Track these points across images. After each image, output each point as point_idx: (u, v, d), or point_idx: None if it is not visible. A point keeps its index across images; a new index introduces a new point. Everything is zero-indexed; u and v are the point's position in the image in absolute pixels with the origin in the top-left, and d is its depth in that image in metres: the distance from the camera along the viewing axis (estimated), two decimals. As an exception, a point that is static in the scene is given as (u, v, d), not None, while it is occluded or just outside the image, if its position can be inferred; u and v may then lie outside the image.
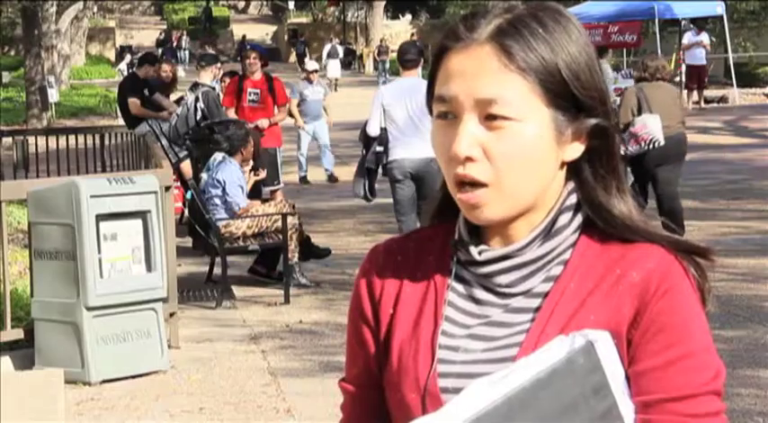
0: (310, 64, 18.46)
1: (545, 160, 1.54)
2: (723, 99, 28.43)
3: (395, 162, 9.19)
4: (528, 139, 1.52)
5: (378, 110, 9.28)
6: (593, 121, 1.56)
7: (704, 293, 1.57)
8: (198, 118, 12.05)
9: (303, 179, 17.87)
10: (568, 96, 1.54)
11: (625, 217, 1.57)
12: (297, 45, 47.89)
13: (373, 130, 9.28)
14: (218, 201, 10.01)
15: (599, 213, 1.58)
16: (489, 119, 1.52)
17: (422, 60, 9.68)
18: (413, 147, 9.01)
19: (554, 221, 1.58)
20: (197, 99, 12.21)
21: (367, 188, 9.55)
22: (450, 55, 1.55)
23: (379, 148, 9.22)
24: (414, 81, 9.36)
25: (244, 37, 57.59)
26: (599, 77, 1.57)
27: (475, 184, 1.53)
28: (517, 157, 1.52)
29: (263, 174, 11.38)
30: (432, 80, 1.58)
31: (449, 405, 1.47)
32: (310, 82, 17.25)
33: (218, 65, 13.96)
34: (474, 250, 1.60)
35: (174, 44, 54.61)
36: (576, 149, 1.57)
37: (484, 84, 1.52)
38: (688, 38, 27.03)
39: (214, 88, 12.93)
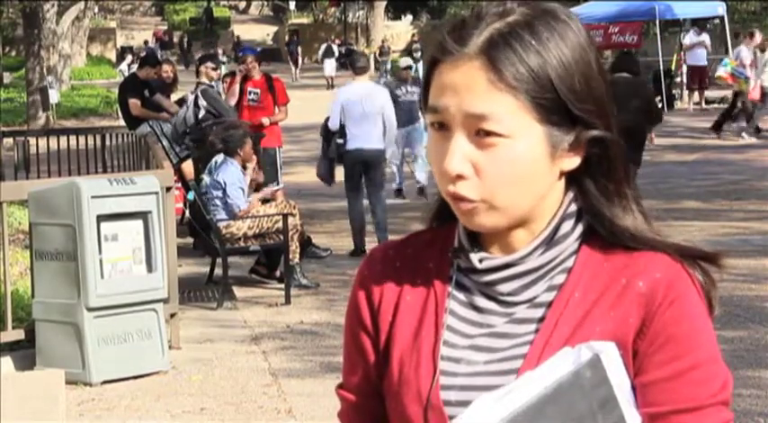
0: (404, 60, 16.38)
1: (538, 175, 1.50)
2: (724, 100, 28.43)
3: (351, 152, 11.12)
4: (519, 156, 1.48)
5: (338, 109, 11.13)
6: (591, 133, 1.51)
7: (711, 300, 1.54)
8: (201, 116, 12.15)
9: (398, 192, 15.28)
10: (562, 110, 1.49)
11: (629, 227, 1.54)
12: (289, 44, 48.22)
13: (334, 126, 11.16)
14: (218, 202, 10.01)
15: (602, 223, 1.55)
16: (480, 134, 1.48)
17: (369, 67, 11.87)
18: (365, 139, 11.07)
19: (556, 230, 1.55)
20: (196, 97, 12.34)
21: (327, 172, 11.63)
22: (440, 68, 1.51)
23: (340, 141, 11.14)
24: (367, 85, 11.50)
25: (238, 38, 57.38)
26: (597, 84, 1.52)
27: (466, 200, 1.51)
28: (508, 174, 1.48)
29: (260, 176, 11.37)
30: (425, 88, 1.55)
31: (454, 422, 1.45)
32: (404, 81, 15.15)
33: (211, 65, 13.86)
34: (474, 258, 1.57)
35: (153, 44, 54.06)
36: (573, 161, 1.53)
37: (474, 100, 1.48)
38: (690, 38, 27.03)
39: (212, 86, 13.00)
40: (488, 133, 1.48)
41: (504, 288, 1.56)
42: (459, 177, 1.49)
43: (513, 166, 1.49)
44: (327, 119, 11.34)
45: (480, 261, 1.56)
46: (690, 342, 1.49)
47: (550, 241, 1.55)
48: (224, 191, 10.00)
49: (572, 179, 1.55)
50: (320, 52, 45.72)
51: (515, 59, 1.48)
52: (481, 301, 1.58)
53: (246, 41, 54.32)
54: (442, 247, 1.63)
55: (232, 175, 10.10)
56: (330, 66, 42.81)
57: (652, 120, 12.02)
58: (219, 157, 10.33)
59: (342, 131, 11.11)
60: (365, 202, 11.56)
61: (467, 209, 1.51)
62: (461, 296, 1.59)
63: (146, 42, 55.27)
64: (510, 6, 1.52)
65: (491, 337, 1.55)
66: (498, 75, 1.47)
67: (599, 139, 1.52)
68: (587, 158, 1.53)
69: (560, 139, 1.50)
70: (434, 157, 1.53)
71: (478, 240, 1.59)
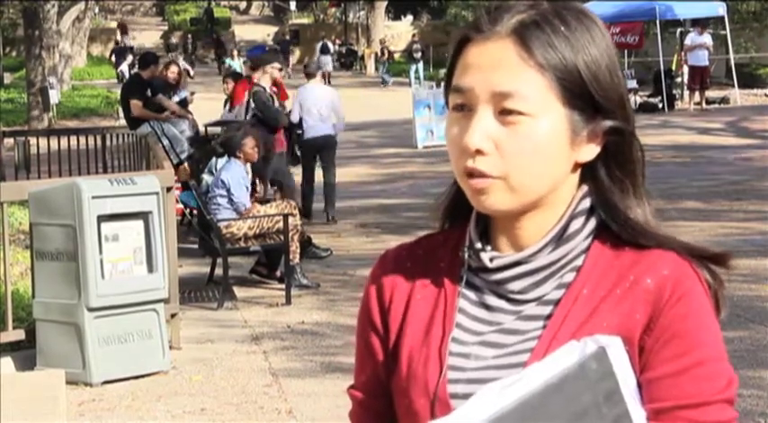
0: None
1: (557, 158, 1.52)
2: (725, 100, 28.44)
3: (308, 140, 13.75)
4: (541, 135, 1.50)
5: (297, 106, 13.74)
6: (609, 122, 1.54)
7: (718, 300, 1.55)
8: (247, 117, 12.41)
9: None
10: (586, 97, 1.52)
11: (641, 221, 1.56)
12: (282, 43, 48.47)
13: (294, 119, 13.68)
14: (221, 201, 10.01)
15: (614, 216, 1.56)
16: (504, 113, 1.50)
17: (320, 71, 15.55)
18: (318, 129, 13.66)
19: (566, 227, 1.56)
20: (248, 100, 12.54)
21: (290, 158, 13.90)
22: (470, 46, 1.54)
23: (299, 131, 13.77)
24: (318, 86, 14.31)
25: (218, 36, 56.06)
26: (619, 81, 1.56)
27: (484, 176, 1.52)
28: (528, 153, 1.50)
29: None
30: (450, 71, 1.56)
31: (458, 410, 1.45)
32: None
33: (278, 65, 13.36)
34: (485, 257, 1.58)
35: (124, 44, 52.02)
36: (591, 151, 1.55)
37: (501, 77, 1.50)
38: (691, 39, 27.03)
39: (265, 89, 12.65)
40: (512, 112, 1.50)
41: (513, 286, 1.58)
42: (479, 152, 1.51)
43: (534, 145, 1.51)
44: (289, 112, 13.71)
45: (491, 260, 1.58)
46: (696, 339, 1.50)
47: (560, 239, 1.56)
48: (228, 190, 10.01)
49: (586, 173, 1.57)
50: (317, 49, 46.64)
51: (545, 41, 1.52)
52: (491, 300, 1.59)
53: (247, 42, 54.22)
54: (453, 247, 1.65)
55: (236, 174, 10.11)
56: (325, 62, 43.24)
57: None
58: (222, 158, 10.34)
59: (300, 124, 13.66)
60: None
61: (482, 187, 1.52)
62: (472, 295, 1.61)
63: (116, 42, 51.78)
64: (539, 1, 1.57)
65: (500, 334, 1.57)
66: (528, 52, 1.51)
67: (618, 131, 1.55)
68: (604, 149, 1.56)
69: (581, 126, 1.53)
70: (453, 136, 1.54)
71: (489, 238, 1.61)
